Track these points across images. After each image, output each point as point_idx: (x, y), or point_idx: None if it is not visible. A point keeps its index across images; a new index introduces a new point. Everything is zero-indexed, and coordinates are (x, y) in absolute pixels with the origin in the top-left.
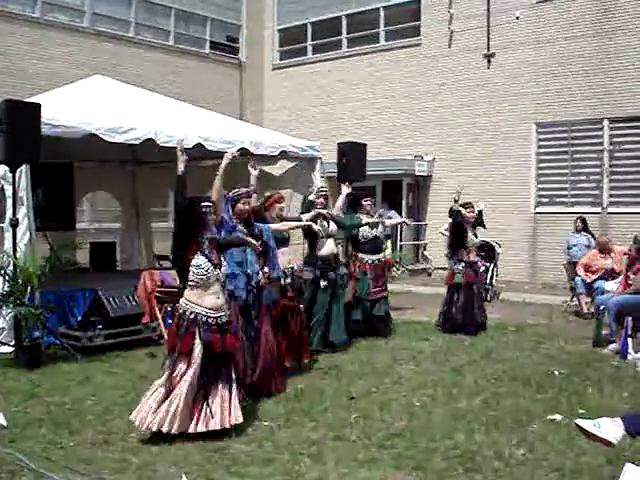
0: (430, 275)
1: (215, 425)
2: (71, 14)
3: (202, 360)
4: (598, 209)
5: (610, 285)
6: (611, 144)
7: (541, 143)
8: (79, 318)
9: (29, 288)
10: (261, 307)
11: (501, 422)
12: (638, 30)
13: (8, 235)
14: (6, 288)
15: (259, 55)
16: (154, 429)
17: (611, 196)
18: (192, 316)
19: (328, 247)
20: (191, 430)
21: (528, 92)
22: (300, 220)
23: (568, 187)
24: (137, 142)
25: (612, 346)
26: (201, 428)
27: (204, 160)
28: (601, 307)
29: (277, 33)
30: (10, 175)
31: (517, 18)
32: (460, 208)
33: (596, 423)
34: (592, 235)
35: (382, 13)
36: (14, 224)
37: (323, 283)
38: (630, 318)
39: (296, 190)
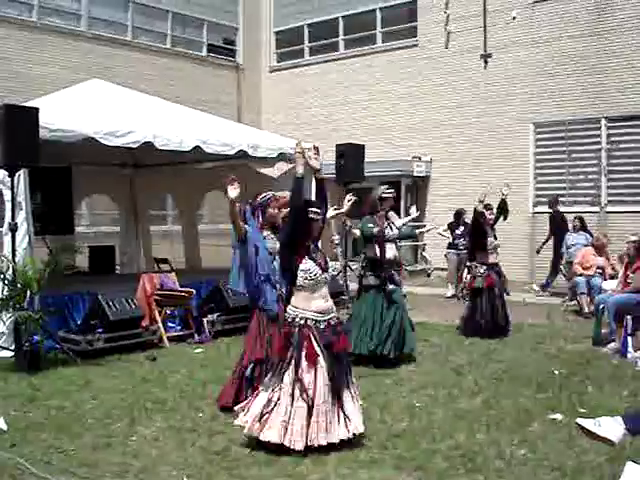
0: (429, 276)
1: (355, 429)
2: (68, 18)
3: (327, 365)
4: (596, 208)
5: (609, 284)
6: (609, 143)
7: (539, 143)
8: (79, 322)
9: (28, 292)
10: None
11: (502, 422)
12: (634, 29)
13: (7, 239)
14: (5, 292)
15: (256, 57)
16: (312, 444)
17: (609, 195)
18: (302, 321)
19: (391, 251)
20: (334, 439)
21: (525, 92)
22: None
23: (566, 187)
24: (135, 145)
25: (612, 345)
26: (344, 434)
27: (203, 163)
28: (600, 306)
29: (274, 35)
30: (9, 179)
31: (513, 18)
32: (483, 210)
33: (597, 422)
34: (590, 234)
35: (379, 14)
36: (13, 228)
37: (390, 287)
38: (630, 317)
39: None
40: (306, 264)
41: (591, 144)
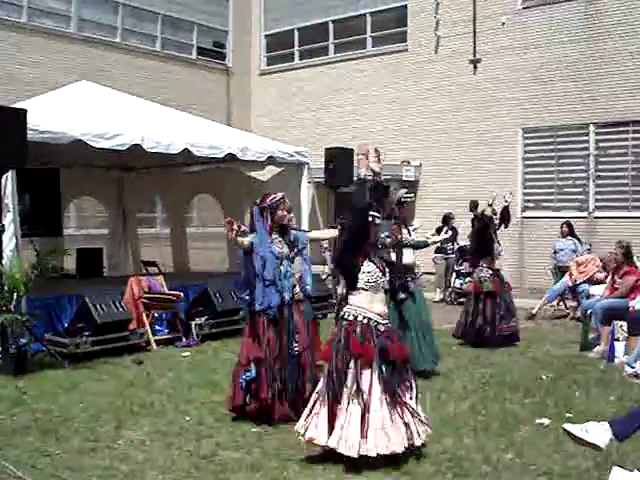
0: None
1: (416, 439)
2: (57, 19)
3: (380, 368)
4: (584, 214)
5: (596, 289)
6: (597, 149)
7: (527, 148)
8: (66, 325)
9: (15, 295)
10: (303, 323)
11: (489, 426)
12: (623, 35)
13: None
14: None
15: (246, 61)
16: (373, 454)
17: (597, 201)
18: (365, 321)
19: (408, 256)
20: (394, 449)
21: (514, 97)
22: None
23: (554, 192)
24: (123, 148)
25: (597, 349)
26: (402, 446)
27: (191, 165)
28: (588, 311)
29: (264, 39)
30: None
31: (503, 24)
32: (492, 214)
33: (584, 427)
34: (578, 239)
35: (369, 19)
36: (0, 230)
37: (402, 296)
38: (620, 323)
39: None
40: (368, 266)
41: (579, 150)
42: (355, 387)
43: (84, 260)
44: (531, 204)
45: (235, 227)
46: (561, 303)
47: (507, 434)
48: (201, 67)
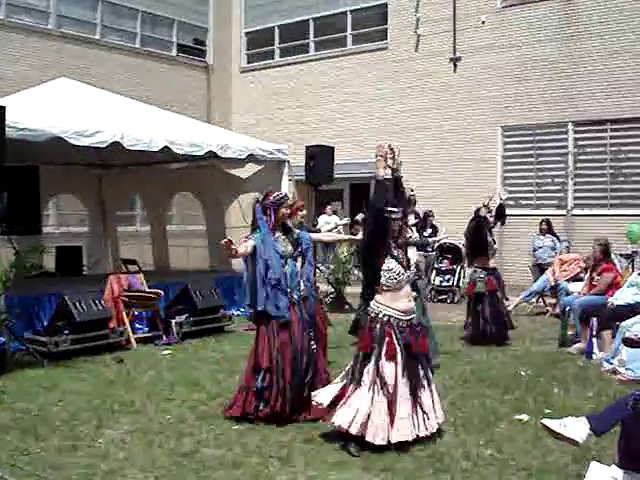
0: None
1: (432, 428)
2: (36, 16)
3: (404, 362)
4: (563, 211)
5: (574, 286)
6: (575, 147)
7: (507, 146)
8: (45, 323)
9: None
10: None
11: (469, 422)
12: (601, 35)
13: None
14: None
15: (227, 58)
16: (394, 440)
17: (575, 198)
18: (385, 319)
19: (413, 255)
20: (409, 437)
21: (494, 96)
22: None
23: (533, 190)
24: (103, 145)
25: (576, 345)
26: (422, 432)
27: (171, 163)
28: (567, 308)
29: (244, 36)
30: None
31: (483, 23)
32: (487, 215)
33: (562, 423)
34: (557, 237)
35: (349, 17)
36: None
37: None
38: (595, 319)
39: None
40: (389, 264)
41: (558, 148)
42: (379, 379)
43: (63, 258)
44: (510, 202)
45: (234, 246)
46: (540, 300)
47: (487, 430)
48: (181, 64)
